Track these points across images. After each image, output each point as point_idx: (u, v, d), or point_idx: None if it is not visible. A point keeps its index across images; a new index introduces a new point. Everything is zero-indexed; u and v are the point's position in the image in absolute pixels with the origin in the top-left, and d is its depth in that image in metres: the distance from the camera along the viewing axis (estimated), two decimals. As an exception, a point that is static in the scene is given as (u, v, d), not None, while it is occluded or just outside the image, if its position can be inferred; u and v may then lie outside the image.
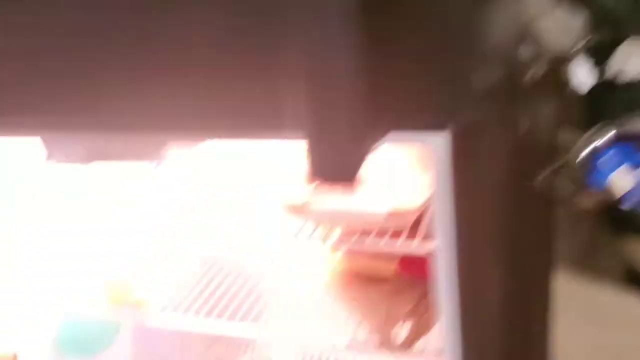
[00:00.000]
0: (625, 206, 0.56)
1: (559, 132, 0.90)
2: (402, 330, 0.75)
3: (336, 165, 0.44)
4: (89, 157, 0.65)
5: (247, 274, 0.99)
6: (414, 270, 0.81)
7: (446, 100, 0.52)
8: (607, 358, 0.58)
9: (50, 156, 0.65)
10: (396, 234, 0.74)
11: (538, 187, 0.57)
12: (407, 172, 0.74)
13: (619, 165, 0.62)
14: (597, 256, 0.66)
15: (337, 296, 0.86)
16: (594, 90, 0.83)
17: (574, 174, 0.59)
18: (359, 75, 0.42)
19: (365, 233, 0.75)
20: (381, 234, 0.75)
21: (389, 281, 0.83)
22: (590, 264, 0.65)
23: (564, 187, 0.64)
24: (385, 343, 0.73)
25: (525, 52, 0.78)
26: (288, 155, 0.81)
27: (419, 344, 0.73)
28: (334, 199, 0.74)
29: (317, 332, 0.82)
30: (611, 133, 0.67)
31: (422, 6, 0.49)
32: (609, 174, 0.61)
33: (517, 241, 0.72)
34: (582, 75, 0.81)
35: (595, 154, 0.65)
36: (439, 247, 0.61)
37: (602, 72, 0.83)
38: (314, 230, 0.79)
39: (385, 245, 0.74)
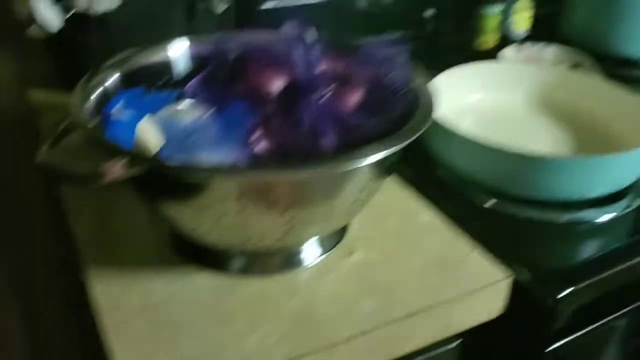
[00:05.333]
0: (162, 160, 0.42)
1: (32, 91, 0.75)
2: None
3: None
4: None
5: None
6: None
7: None
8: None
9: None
10: None
11: (39, 168, 0.40)
12: None
13: (138, 113, 0.48)
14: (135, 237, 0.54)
15: None
16: (67, 28, 0.66)
17: (88, 139, 0.42)
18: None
19: None
20: None
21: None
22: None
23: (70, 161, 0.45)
24: None
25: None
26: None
27: None
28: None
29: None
30: (114, 77, 0.52)
31: None
32: (131, 128, 0.46)
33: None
34: (46, 12, 0.64)
35: (104, 106, 0.49)
36: None
37: (69, 5, 0.66)
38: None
39: None
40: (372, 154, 0.40)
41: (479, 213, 0.60)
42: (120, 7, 0.68)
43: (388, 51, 0.54)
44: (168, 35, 0.73)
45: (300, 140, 0.44)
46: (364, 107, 0.49)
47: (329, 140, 0.44)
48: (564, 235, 0.58)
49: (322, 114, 0.44)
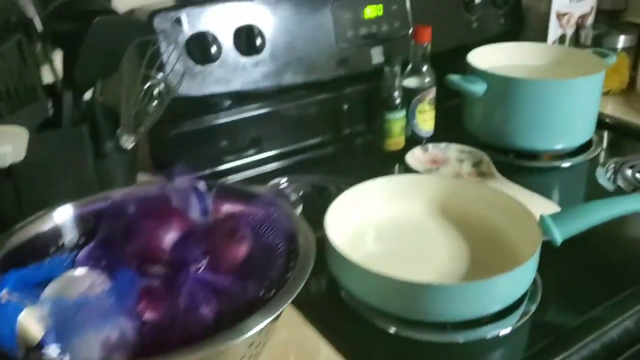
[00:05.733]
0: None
1: None
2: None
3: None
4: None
5: None
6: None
7: None
8: None
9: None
10: None
11: None
12: None
13: (27, 294, 0.48)
14: None
15: None
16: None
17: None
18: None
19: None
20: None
21: None
22: None
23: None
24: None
25: None
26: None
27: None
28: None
29: None
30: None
31: None
32: (17, 313, 0.46)
33: None
34: None
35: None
36: None
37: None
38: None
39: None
40: (246, 331, 0.42)
41: (381, 338, 0.62)
42: (27, 156, 0.70)
43: (274, 199, 0.57)
44: (79, 179, 0.75)
45: (180, 312, 0.46)
46: (248, 261, 0.52)
47: (208, 311, 0.45)
48: (466, 356, 0.60)
49: (201, 285, 0.46)
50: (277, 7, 0.91)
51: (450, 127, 1.03)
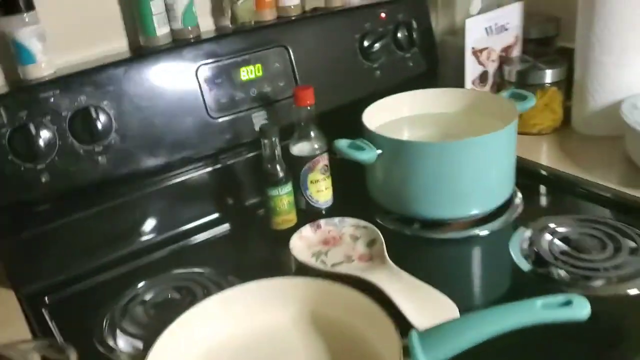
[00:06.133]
0: None
1: None
2: None
3: None
4: None
5: None
6: None
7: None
8: None
9: None
10: None
11: None
12: None
13: None
14: None
15: None
16: None
17: None
18: None
19: None
20: None
21: None
22: None
23: None
24: None
25: None
26: None
27: None
28: None
29: None
30: None
31: None
32: None
33: None
34: None
35: None
36: None
37: None
38: None
39: None
40: None
41: None
42: None
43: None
44: None
45: None
46: None
47: None
48: None
49: None
50: (122, 81, 0.79)
51: (354, 193, 0.90)
